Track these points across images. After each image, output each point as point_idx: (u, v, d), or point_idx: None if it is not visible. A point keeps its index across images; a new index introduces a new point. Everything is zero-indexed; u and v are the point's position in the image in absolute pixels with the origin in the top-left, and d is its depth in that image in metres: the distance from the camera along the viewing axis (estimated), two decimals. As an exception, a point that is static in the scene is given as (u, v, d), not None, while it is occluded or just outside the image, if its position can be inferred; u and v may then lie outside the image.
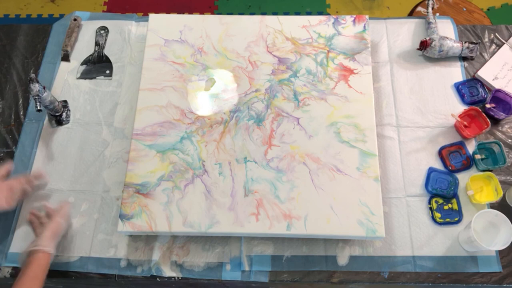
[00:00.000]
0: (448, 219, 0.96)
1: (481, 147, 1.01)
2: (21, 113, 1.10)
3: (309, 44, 1.09)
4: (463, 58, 1.14)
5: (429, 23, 1.15)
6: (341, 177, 0.94)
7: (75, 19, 1.18)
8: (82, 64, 1.15)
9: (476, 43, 1.12)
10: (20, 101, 1.11)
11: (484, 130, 1.02)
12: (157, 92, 1.04)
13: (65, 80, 1.13)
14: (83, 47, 1.17)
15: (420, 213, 0.98)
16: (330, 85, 1.04)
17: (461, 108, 1.07)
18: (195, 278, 0.93)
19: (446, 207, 0.98)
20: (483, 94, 1.08)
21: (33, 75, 0.94)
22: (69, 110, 1.08)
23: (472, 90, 1.10)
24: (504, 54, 1.14)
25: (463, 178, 1.00)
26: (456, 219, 0.96)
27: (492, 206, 0.98)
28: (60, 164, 1.03)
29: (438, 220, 0.96)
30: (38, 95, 0.95)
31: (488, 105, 1.04)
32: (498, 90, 1.06)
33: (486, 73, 1.11)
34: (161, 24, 1.11)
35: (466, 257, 0.94)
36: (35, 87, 0.94)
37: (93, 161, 1.03)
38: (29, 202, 0.99)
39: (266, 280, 0.93)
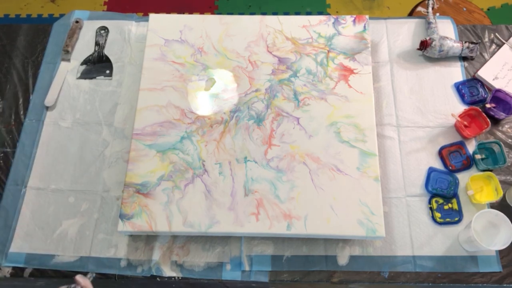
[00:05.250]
0: (448, 219, 0.96)
1: (481, 147, 1.01)
2: (21, 113, 1.10)
3: (309, 44, 1.09)
4: (463, 58, 1.14)
5: (429, 23, 1.15)
6: (341, 177, 0.94)
7: (77, 21, 1.18)
8: (82, 64, 1.15)
9: (476, 43, 1.12)
10: (20, 101, 1.11)
11: (484, 130, 1.02)
12: (157, 92, 1.04)
13: (65, 80, 1.13)
14: (83, 47, 1.17)
15: (420, 213, 0.98)
16: (330, 85, 1.04)
17: (461, 108, 1.07)
18: (195, 278, 0.93)
19: (446, 207, 0.98)
20: (483, 94, 1.08)
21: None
22: None
23: (472, 90, 1.10)
24: (504, 54, 1.14)
25: (463, 178, 1.00)
26: (456, 219, 0.96)
27: (492, 206, 0.98)
28: (60, 164, 1.03)
29: (438, 220, 0.96)
30: None
31: (488, 105, 1.04)
32: (498, 90, 1.06)
33: (486, 73, 1.11)
34: (161, 24, 1.11)
35: (466, 257, 0.94)
36: None
37: (93, 161, 1.03)
38: (31, 197, 0.99)
39: (266, 280, 0.93)
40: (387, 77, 1.12)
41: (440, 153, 1.03)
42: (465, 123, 1.03)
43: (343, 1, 2.17)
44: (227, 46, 1.09)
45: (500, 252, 0.94)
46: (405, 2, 2.12)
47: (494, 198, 0.96)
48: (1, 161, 1.05)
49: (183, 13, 1.71)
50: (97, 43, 1.17)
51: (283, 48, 1.09)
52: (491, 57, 1.14)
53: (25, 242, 0.96)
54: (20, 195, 1.00)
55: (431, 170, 1.01)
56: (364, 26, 1.10)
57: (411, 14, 1.46)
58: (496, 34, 1.18)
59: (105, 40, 1.18)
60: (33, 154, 1.04)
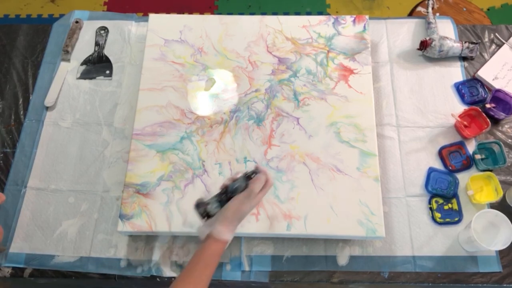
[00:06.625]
0: (448, 219, 0.96)
1: (481, 147, 1.01)
2: (21, 113, 1.10)
3: (309, 44, 1.09)
4: (463, 58, 1.14)
5: (429, 23, 1.15)
6: (341, 177, 0.94)
7: (77, 22, 1.18)
8: (82, 64, 1.15)
9: (476, 43, 1.12)
10: (20, 101, 1.11)
11: (484, 130, 1.02)
12: (157, 92, 1.04)
13: (65, 80, 1.13)
14: (83, 47, 1.17)
15: (420, 213, 0.98)
16: (330, 85, 1.04)
17: (461, 108, 1.07)
18: (195, 278, 0.93)
19: (446, 207, 0.98)
20: (483, 94, 1.08)
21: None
22: None
23: (472, 90, 1.10)
24: (504, 54, 1.14)
25: (463, 178, 1.00)
26: (456, 219, 0.96)
27: (492, 206, 0.98)
28: (60, 164, 1.03)
29: (438, 220, 0.96)
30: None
31: (488, 105, 1.04)
32: (498, 90, 1.06)
33: (486, 73, 1.11)
34: (161, 24, 1.11)
35: (466, 257, 0.94)
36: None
37: (93, 161, 1.03)
38: (31, 197, 0.99)
39: (266, 280, 0.93)
40: (387, 77, 1.12)
41: (440, 153, 1.03)
42: (465, 123, 1.03)
43: (343, 1, 2.17)
44: (227, 46, 1.09)
45: (500, 252, 0.94)
46: (405, 2, 2.12)
47: (494, 198, 0.96)
48: (1, 161, 1.05)
49: (183, 13, 1.71)
50: (97, 43, 1.17)
51: (283, 48, 1.09)
52: (491, 57, 1.14)
53: (25, 243, 0.96)
54: (20, 195, 1.00)
55: (431, 170, 1.01)
56: (364, 26, 1.10)
57: (411, 14, 1.45)
58: (496, 34, 1.18)
59: (105, 40, 1.18)
60: (33, 154, 1.04)
